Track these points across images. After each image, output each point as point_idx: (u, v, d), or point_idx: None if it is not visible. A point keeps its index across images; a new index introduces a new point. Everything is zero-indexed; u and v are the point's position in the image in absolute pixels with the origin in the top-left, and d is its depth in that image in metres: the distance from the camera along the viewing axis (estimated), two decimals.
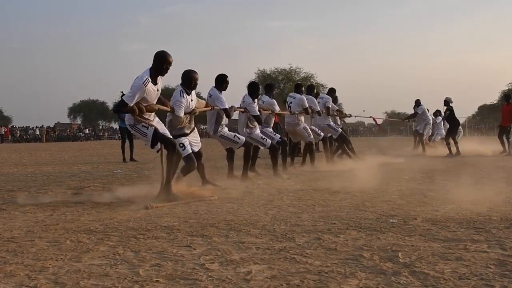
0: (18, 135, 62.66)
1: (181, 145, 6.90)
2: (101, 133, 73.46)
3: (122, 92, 15.91)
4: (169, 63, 6.07)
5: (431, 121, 18.50)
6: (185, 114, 6.90)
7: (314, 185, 7.51)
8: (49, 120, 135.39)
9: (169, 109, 6.72)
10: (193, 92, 7.12)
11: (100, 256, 3.50)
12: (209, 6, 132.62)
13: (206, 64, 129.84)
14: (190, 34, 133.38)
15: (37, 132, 62.71)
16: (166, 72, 6.15)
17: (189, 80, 6.97)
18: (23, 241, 4.01)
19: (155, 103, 6.21)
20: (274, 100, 9.91)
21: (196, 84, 7.03)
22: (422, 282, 2.84)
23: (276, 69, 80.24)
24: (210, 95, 8.08)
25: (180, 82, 7.01)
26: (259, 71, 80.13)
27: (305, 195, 6.50)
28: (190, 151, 7.00)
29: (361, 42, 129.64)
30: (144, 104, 6.01)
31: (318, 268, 3.13)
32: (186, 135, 7.07)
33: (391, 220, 4.68)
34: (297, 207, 5.51)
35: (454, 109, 16.07)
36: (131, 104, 5.88)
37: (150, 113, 6.19)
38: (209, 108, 7.74)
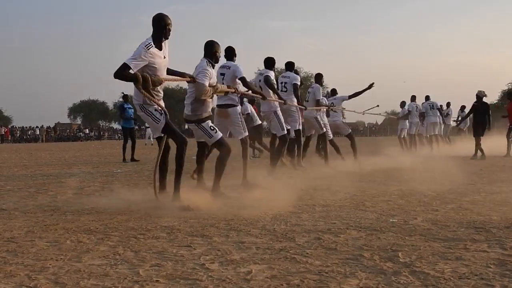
0: (18, 135, 62.63)
1: (212, 128, 6.35)
2: (101, 133, 73.27)
3: (123, 92, 15.89)
4: (169, 24, 5.55)
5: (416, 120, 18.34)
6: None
7: (314, 184, 7.49)
8: (49, 120, 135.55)
9: (187, 79, 6.07)
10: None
11: (100, 256, 3.50)
12: (209, 6, 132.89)
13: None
14: (190, 34, 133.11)
15: (37, 132, 62.67)
16: (169, 34, 5.61)
17: (213, 50, 6.42)
18: (23, 241, 4.01)
19: (163, 74, 5.61)
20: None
21: (219, 56, 6.55)
22: (422, 282, 2.84)
23: (276, 69, 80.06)
24: (228, 67, 7.49)
25: (203, 54, 6.45)
26: (259, 71, 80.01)
27: (305, 195, 6.49)
28: (221, 134, 6.43)
29: (361, 42, 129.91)
30: (150, 74, 5.35)
31: (318, 268, 3.13)
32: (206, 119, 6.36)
33: (391, 220, 4.68)
34: (297, 207, 5.50)
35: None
36: (135, 71, 5.22)
37: (157, 89, 5.54)
38: (232, 90, 6.94)
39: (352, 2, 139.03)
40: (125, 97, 15.52)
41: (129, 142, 14.85)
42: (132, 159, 14.59)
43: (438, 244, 3.70)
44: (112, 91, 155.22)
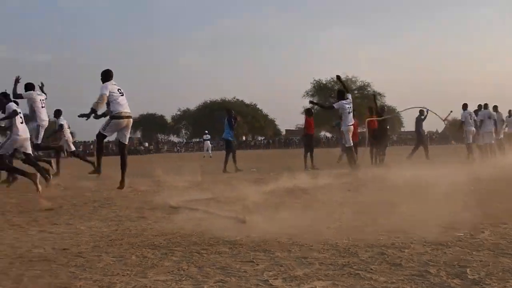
0: (80, 148, 64.38)
1: None
2: (160, 146, 74.51)
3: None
4: None
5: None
6: None
7: (374, 197, 7.39)
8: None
9: None
10: None
11: (165, 271, 3.55)
12: (265, 18, 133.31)
13: (263, 75, 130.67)
14: (247, 45, 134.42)
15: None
16: None
17: None
18: (90, 256, 4.11)
19: None
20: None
21: None
22: None
23: (332, 78, 79.95)
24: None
25: None
26: (314, 81, 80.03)
27: (367, 207, 6.42)
28: None
29: (421, 48, 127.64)
30: None
31: (383, 284, 3.09)
32: None
33: (457, 234, 4.56)
34: (359, 220, 5.44)
35: None
36: None
37: None
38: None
39: (410, 7, 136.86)
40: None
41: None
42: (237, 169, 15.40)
43: (509, 260, 3.58)
44: (170, 105, 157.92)
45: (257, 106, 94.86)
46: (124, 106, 9.73)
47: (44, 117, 13.01)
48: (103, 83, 9.71)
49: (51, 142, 15.68)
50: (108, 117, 9.78)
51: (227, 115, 16.71)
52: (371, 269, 3.44)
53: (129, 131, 10.21)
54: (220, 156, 37.55)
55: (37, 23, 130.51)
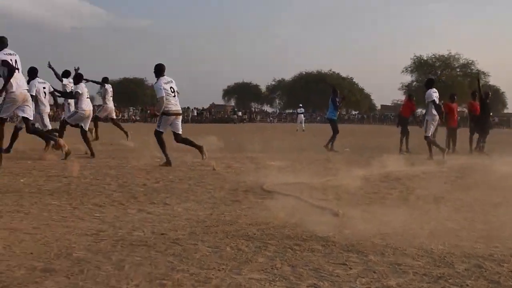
0: None
1: None
2: (253, 116, 75.24)
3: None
4: None
5: None
6: None
7: (472, 194, 7.15)
8: (205, 101, 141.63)
9: None
10: None
11: (259, 269, 3.62)
12: None
13: (361, 51, 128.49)
14: (344, 19, 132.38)
15: (195, 114, 65.67)
16: None
17: None
18: (187, 244, 4.25)
19: None
20: None
21: None
22: None
23: (434, 55, 77.45)
24: None
25: None
26: (415, 57, 77.79)
27: (464, 206, 6.24)
28: None
29: None
30: None
31: None
32: None
33: None
34: (455, 222, 5.31)
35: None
36: None
37: None
38: None
39: None
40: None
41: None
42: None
43: None
44: (264, 74, 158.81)
45: (353, 80, 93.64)
46: (175, 103, 10.58)
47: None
48: (156, 77, 10.50)
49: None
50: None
51: (332, 94, 16.66)
52: (467, 284, 3.36)
53: (180, 121, 10.94)
54: (312, 130, 37.52)
55: None
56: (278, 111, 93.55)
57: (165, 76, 10.49)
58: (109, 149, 14.19)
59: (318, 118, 75.87)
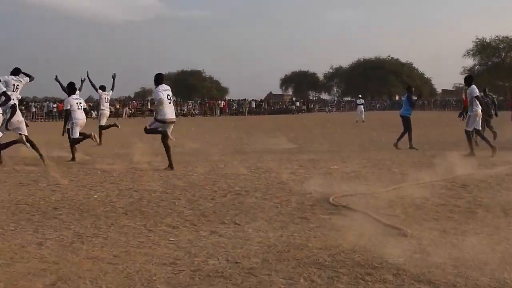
0: (234, 107, 66.52)
1: None
2: (311, 105, 75.04)
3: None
4: None
5: None
6: None
7: None
8: (261, 91, 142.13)
9: None
10: None
11: None
12: None
13: (419, 33, 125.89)
14: (402, 2, 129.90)
15: (253, 105, 66.00)
16: None
17: None
18: (261, 275, 4.39)
19: None
20: None
21: None
22: None
23: (497, 37, 75.07)
24: None
25: None
26: (477, 40, 75.66)
27: None
28: None
29: None
30: None
31: None
32: None
33: None
34: None
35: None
36: None
37: None
38: None
39: None
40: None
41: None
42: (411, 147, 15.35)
43: None
44: (321, 62, 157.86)
45: (413, 65, 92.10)
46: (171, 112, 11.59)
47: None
48: (156, 85, 11.51)
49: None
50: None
51: (407, 92, 17.06)
52: None
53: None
54: (371, 120, 37.24)
55: None
56: (336, 99, 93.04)
57: (163, 84, 11.47)
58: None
59: (377, 105, 75.02)
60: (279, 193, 8.23)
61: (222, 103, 66.07)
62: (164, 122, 11.36)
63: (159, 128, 11.46)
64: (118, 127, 18.57)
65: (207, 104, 66.55)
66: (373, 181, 9.09)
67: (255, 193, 8.30)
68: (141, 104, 63.25)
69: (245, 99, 68.52)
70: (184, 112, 61.57)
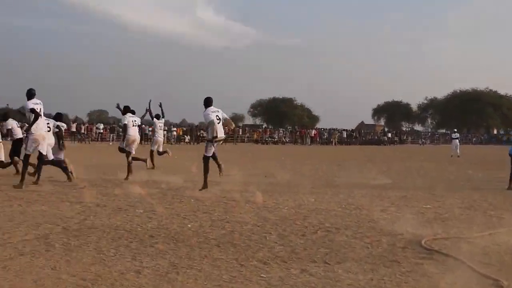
0: (325, 137, 66.34)
1: None
2: (404, 137, 73.70)
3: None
4: None
5: None
6: None
7: None
8: (353, 121, 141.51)
9: None
10: None
11: None
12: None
13: None
14: (501, 32, 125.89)
15: (344, 135, 65.67)
16: None
17: None
18: None
19: None
20: None
21: None
22: None
23: None
24: None
25: None
26: None
27: None
28: None
29: None
30: None
31: None
32: None
33: None
34: None
35: None
36: None
37: None
38: None
39: None
40: None
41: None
42: None
43: None
44: (414, 93, 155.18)
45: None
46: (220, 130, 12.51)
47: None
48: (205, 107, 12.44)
49: None
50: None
51: None
52: None
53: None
54: (467, 154, 36.09)
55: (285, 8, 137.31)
56: (430, 130, 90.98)
57: (212, 106, 12.41)
58: (262, 181, 14.73)
59: (474, 139, 72.69)
60: (369, 232, 8.17)
61: (313, 132, 66.09)
62: (214, 139, 12.29)
63: (208, 148, 12.39)
64: (169, 154, 20.14)
65: (298, 133, 66.86)
66: (467, 224, 8.85)
67: (346, 231, 8.28)
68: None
69: (335, 128, 68.33)
70: (275, 139, 62.11)
